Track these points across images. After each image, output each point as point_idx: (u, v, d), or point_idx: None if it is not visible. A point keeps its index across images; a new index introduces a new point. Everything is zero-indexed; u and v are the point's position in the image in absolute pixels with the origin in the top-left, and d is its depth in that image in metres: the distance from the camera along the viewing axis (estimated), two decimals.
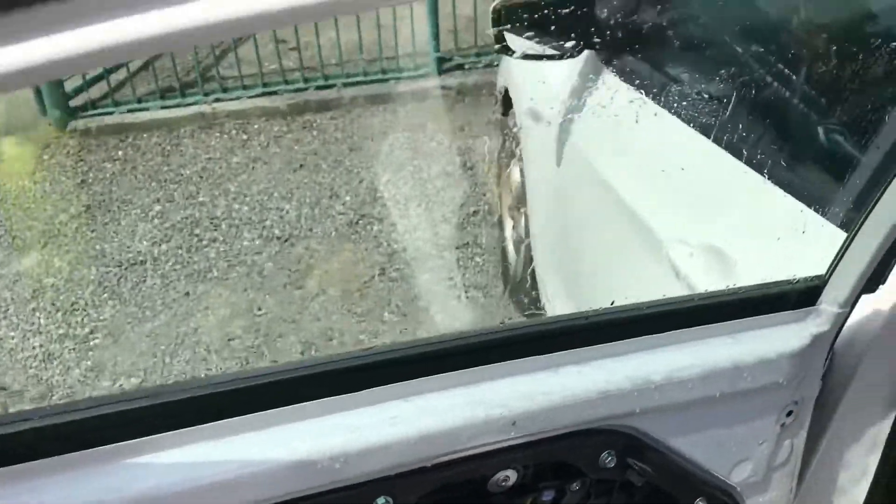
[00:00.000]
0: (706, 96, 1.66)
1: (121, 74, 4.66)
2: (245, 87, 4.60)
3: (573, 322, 0.84)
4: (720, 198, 1.46)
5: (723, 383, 0.89)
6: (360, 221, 3.69)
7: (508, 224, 3.20)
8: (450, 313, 3.16)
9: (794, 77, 1.46)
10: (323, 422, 0.72)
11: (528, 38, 2.04)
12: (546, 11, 2.01)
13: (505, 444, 0.78)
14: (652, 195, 1.65)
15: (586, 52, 2.11)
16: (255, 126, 4.47)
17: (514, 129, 2.93)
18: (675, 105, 1.70)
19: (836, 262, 0.93)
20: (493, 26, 2.05)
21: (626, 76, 1.95)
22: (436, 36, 4.76)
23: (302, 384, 0.73)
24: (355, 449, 0.69)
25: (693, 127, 1.57)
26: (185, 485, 0.67)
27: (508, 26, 2.00)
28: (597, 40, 2.06)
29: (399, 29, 4.72)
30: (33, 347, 3.01)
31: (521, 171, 2.88)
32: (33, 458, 0.65)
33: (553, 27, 2.07)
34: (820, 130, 1.29)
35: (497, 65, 3.51)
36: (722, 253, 1.36)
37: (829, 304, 0.93)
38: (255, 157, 4.20)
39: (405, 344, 0.76)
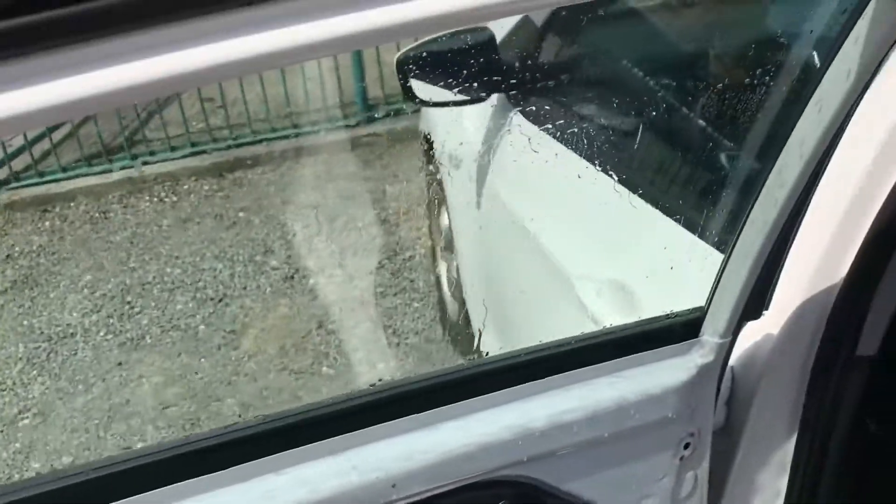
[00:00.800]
0: (606, 134, 1.69)
1: (44, 144, 4.59)
2: (173, 149, 4.57)
3: (449, 376, 0.84)
4: (621, 233, 1.48)
5: (609, 423, 0.88)
6: (295, 276, 3.66)
7: (442, 267, 3.21)
8: (390, 362, 3.14)
9: (683, 112, 1.50)
10: (194, 501, 0.70)
11: (435, 85, 2.07)
12: (450, 58, 2.05)
13: None
14: (561, 234, 1.67)
15: (494, 95, 2.15)
16: (185, 186, 4.43)
17: (438, 175, 2.95)
18: (579, 143, 1.73)
19: (713, 292, 0.94)
20: (399, 77, 2.07)
21: (534, 117, 1.98)
22: (362, 84, 4.79)
23: (173, 462, 0.71)
24: None
25: (595, 164, 1.59)
26: None
27: (413, 76, 2.02)
28: (503, 83, 2.09)
29: (325, 80, 4.74)
30: None
31: (448, 214, 2.90)
32: None
33: (459, 73, 2.10)
34: (704, 161, 1.33)
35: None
36: (625, 288, 1.38)
37: (710, 334, 0.94)
38: (186, 218, 4.15)
39: (274, 415, 0.74)
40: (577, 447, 0.88)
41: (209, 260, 3.80)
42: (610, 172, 1.56)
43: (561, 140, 1.74)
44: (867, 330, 1.05)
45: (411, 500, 0.78)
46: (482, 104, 2.17)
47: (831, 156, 0.99)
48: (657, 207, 1.33)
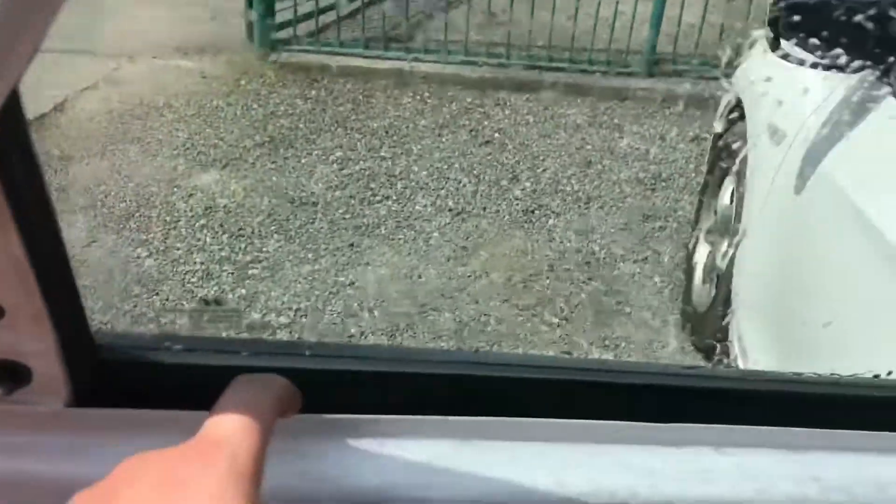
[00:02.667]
0: None
1: (329, 17, 4.66)
2: (448, 53, 4.49)
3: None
4: None
5: None
6: (536, 211, 3.49)
7: (703, 249, 2.91)
8: (615, 329, 2.91)
9: None
10: (605, 451, 0.51)
11: (806, 43, 1.76)
12: (834, 15, 1.73)
13: None
14: None
15: (866, 70, 1.81)
16: (450, 93, 4.35)
17: (735, 147, 2.63)
18: None
19: None
20: (770, 23, 1.78)
21: None
22: (655, 36, 4.47)
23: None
24: None
25: None
26: None
27: (789, 26, 1.73)
28: (884, 57, 1.75)
29: (618, 23, 4.46)
30: (194, 263, 3.00)
31: (735, 194, 2.58)
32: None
33: (835, 35, 1.78)
34: None
35: (720, 76, 3.20)
36: None
37: None
38: (444, 124, 4.08)
39: (716, 372, 0.54)
40: None
41: (456, 171, 3.70)
42: None
43: None
44: None
45: None
46: (844, 76, 1.84)
47: None
48: None
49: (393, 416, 0.49)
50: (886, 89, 1.77)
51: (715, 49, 4.55)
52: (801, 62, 1.76)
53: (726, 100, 2.93)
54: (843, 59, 1.77)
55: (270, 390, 0.44)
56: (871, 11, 1.68)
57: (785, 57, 1.78)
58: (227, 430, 0.40)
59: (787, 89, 2.17)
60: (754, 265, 2.22)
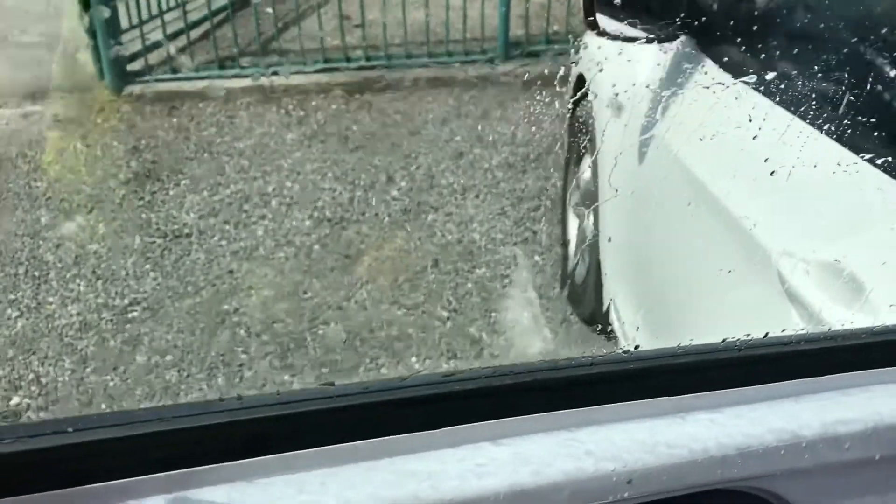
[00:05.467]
0: (831, 93, 1.45)
1: (180, 42, 4.56)
2: (306, 63, 4.47)
3: (704, 357, 0.66)
4: (845, 209, 1.25)
5: (885, 443, 0.69)
6: (415, 209, 3.53)
7: (573, 223, 3.01)
8: (504, 313, 2.98)
9: None
10: (386, 465, 0.55)
11: (620, 18, 1.85)
12: None
13: None
14: (759, 203, 1.45)
15: (683, 37, 1.91)
16: (313, 102, 4.33)
17: (588, 121, 2.73)
18: (791, 101, 1.49)
19: None
20: (585, 9, 1.86)
21: (731, 67, 1.74)
22: (506, 20, 4.57)
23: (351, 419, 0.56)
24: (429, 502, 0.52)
25: (817, 128, 1.36)
26: None
27: (602, 5, 1.81)
28: (697, 25, 1.86)
29: (468, 11, 4.53)
30: (70, 315, 2.90)
31: (593, 166, 2.68)
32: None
33: (648, 7, 1.88)
34: None
35: (572, 52, 3.32)
36: (848, 274, 1.15)
37: None
38: (311, 135, 4.06)
39: (488, 371, 0.58)
40: (839, 467, 0.69)
41: (330, 180, 3.70)
42: (831, 133, 1.33)
43: (773, 98, 1.51)
44: None
45: (643, 500, 0.61)
46: (666, 45, 1.94)
47: None
48: None
49: (178, 470, 0.51)
50: (703, 55, 1.88)
51: (567, 25, 4.70)
52: (622, 37, 1.84)
53: (574, 76, 3.04)
54: (659, 32, 1.86)
55: None
56: None
57: (605, 31, 1.86)
58: None
59: (616, 64, 2.26)
60: (614, 235, 2.32)
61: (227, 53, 4.51)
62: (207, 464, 0.51)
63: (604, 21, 1.91)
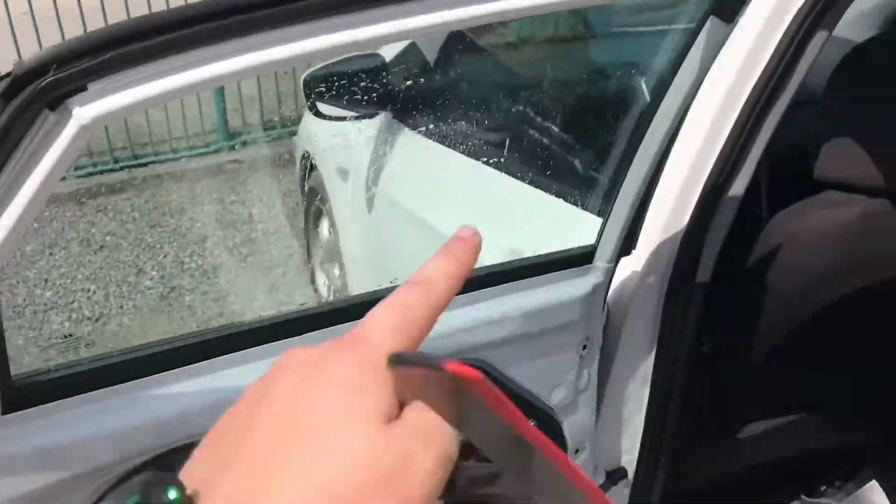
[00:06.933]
0: (485, 137, 2.08)
1: None
2: None
3: None
4: (514, 213, 1.86)
5: (539, 321, 1.23)
6: (171, 294, 3.79)
7: (321, 279, 3.47)
8: None
9: (551, 115, 1.91)
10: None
11: (333, 103, 2.38)
12: (346, 80, 2.36)
13: None
14: (451, 217, 2.02)
15: (382, 112, 2.49)
16: (46, 213, 4.40)
17: (319, 189, 3.23)
18: (459, 145, 2.11)
19: (601, 233, 1.32)
20: (305, 94, 2.36)
21: (419, 128, 2.33)
22: (223, 113, 4.99)
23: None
24: None
25: (480, 160, 1.97)
26: None
27: (318, 93, 2.33)
28: (393, 101, 2.44)
29: (186, 111, 4.89)
30: None
31: (330, 225, 3.18)
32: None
33: (356, 92, 2.42)
34: (576, 153, 1.74)
35: (292, 135, 3.81)
36: (520, 252, 1.74)
37: (600, 261, 1.32)
38: (51, 244, 4.16)
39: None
40: (516, 339, 1.22)
41: (81, 282, 3.84)
42: (496, 166, 1.94)
43: (447, 144, 2.11)
44: (703, 262, 1.46)
45: None
46: (371, 120, 2.50)
47: (674, 142, 1.41)
48: (546, 191, 1.72)
49: None
50: (399, 123, 2.46)
51: (278, 113, 5.21)
52: (336, 117, 2.37)
53: (300, 153, 3.54)
54: (363, 109, 2.42)
55: (431, 294, 0.45)
56: (371, 73, 2.34)
57: (323, 115, 2.38)
58: (376, 329, 0.43)
59: (337, 139, 2.81)
60: (359, 272, 2.83)
61: None
62: None
63: (321, 106, 2.43)
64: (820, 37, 1.31)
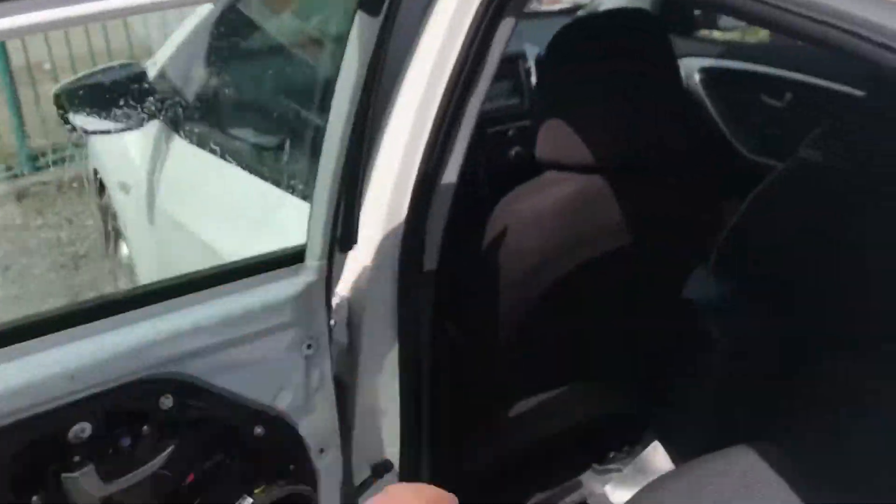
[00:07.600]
0: (237, 140, 2.08)
1: None
2: None
3: (120, 296, 1.11)
4: (258, 213, 1.85)
5: (241, 326, 1.21)
6: None
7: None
8: None
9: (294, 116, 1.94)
10: None
11: (94, 115, 2.27)
12: (103, 92, 2.26)
13: (72, 399, 1.03)
14: (217, 226, 1.99)
15: (153, 121, 2.40)
16: None
17: (111, 207, 3.09)
18: (213, 146, 2.09)
19: (309, 227, 1.31)
20: (58, 109, 2.25)
21: (184, 133, 2.27)
22: (22, 133, 4.71)
23: None
24: None
25: (232, 162, 1.96)
26: None
27: (73, 107, 2.22)
28: (159, 110, 2.36)
29: None
30: None
31: (126, 243, 3.05)
32: None
33: (115, 103, 2.32)
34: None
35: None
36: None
37: (311, 260, 1.31)
38: None
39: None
40: (218, 347, 1.19)
41: None
42: (245, 167, 1.94)
43: (209, 150, 2.08)
44: (428, 250, 1.48)
45: (91, 392, 1.04)
46: (142, 130, 2.41)
47: (384, 132, 1.42)
48: (287, 190, 1.71)
49: None
50: (171, 132, 2.38)
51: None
52: (94, 130, 2.27)
53: (91, 170, 3.38)
54: (131, 121, 2.32)
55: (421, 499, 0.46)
56: (129, 82, 2.25)
57: (82, 129, 2.27)
58: None
59: (114, 154, 2.70)
60: None
61: None
62: None
63: (82, 119, 2.32)
64: (508, 21, 1.36)
